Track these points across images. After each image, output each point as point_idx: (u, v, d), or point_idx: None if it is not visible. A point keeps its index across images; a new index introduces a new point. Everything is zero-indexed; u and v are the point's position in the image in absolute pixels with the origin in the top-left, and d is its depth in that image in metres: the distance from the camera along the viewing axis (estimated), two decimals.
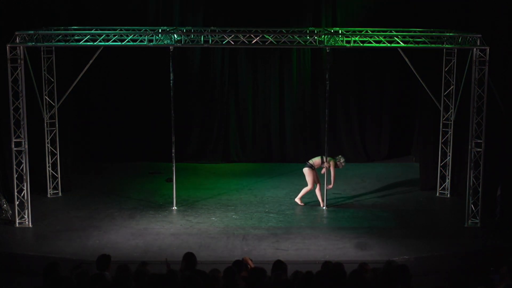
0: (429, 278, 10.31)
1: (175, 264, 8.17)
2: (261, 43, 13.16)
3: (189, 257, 7.92)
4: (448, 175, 15.01)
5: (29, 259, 11.10)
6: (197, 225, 12.90)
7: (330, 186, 14.05)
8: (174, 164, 13.85)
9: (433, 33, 13.49)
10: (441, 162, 15.00)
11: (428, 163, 15.49)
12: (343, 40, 13.02)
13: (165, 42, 13.15)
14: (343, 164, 14.22)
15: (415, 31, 13.91)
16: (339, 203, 14.47)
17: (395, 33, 13.34)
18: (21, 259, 11.21)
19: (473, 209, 12.88)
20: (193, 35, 13.41)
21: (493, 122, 13.27)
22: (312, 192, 14.14)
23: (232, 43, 13.17)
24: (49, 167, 14.71)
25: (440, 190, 15.08)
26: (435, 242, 11.98)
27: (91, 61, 14.13)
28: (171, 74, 13.68)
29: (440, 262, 11.15)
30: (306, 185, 14.07)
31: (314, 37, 13.18)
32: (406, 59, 14.28)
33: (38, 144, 14.29)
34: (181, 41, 13.21)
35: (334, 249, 11.57)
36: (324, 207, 13.96)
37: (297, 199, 14.25)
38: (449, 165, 14.96)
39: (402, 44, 13.01)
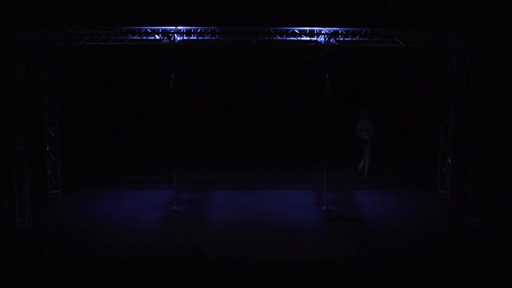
0: (429, 278, 10.33)
1: (175, 263, 8.17)
2: (261, 43, 13.15)
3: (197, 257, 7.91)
4: (448, 175, 15.01)
5: (29, 259, 11.10)
6: (197, 225, 12.90)
7: None
8: (174, 164, 13.86)
9: (433, 33, 13.48)
10: (441, 162, 15.00)
11: (428, 163, 15.48)
12: (343, 40, 13.01)
13: (165, 42, 13.14)
14: None
15: (415, 31, 13.89)
16: (339, 203, 14.48)
17: (395, 33, 13.33)
18: (21, 259, 11.19)
19: (473, 209, 12.88)
20: (193, 35, 13.39)
21: (493, 122, 13.27)
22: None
23: (232, 43, 13.17)
24: (49, 167, 14.71)
25: (440, 190, 15.08)
26: (435, 242, 11.98)
27: (91, 62, 14.12)
28: (171, 74, 13.68)
29: (439, 262, 11.13)
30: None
31: (314, 37, 13.17)
32: (406, 59, 14.28)
33: (38, 144, 14.28)
34: (181, 41, 13.20)
35: (334, 249, 11.57)
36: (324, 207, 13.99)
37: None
38: (449, 165, 14.96)
39: (402, 44, 13.00)
